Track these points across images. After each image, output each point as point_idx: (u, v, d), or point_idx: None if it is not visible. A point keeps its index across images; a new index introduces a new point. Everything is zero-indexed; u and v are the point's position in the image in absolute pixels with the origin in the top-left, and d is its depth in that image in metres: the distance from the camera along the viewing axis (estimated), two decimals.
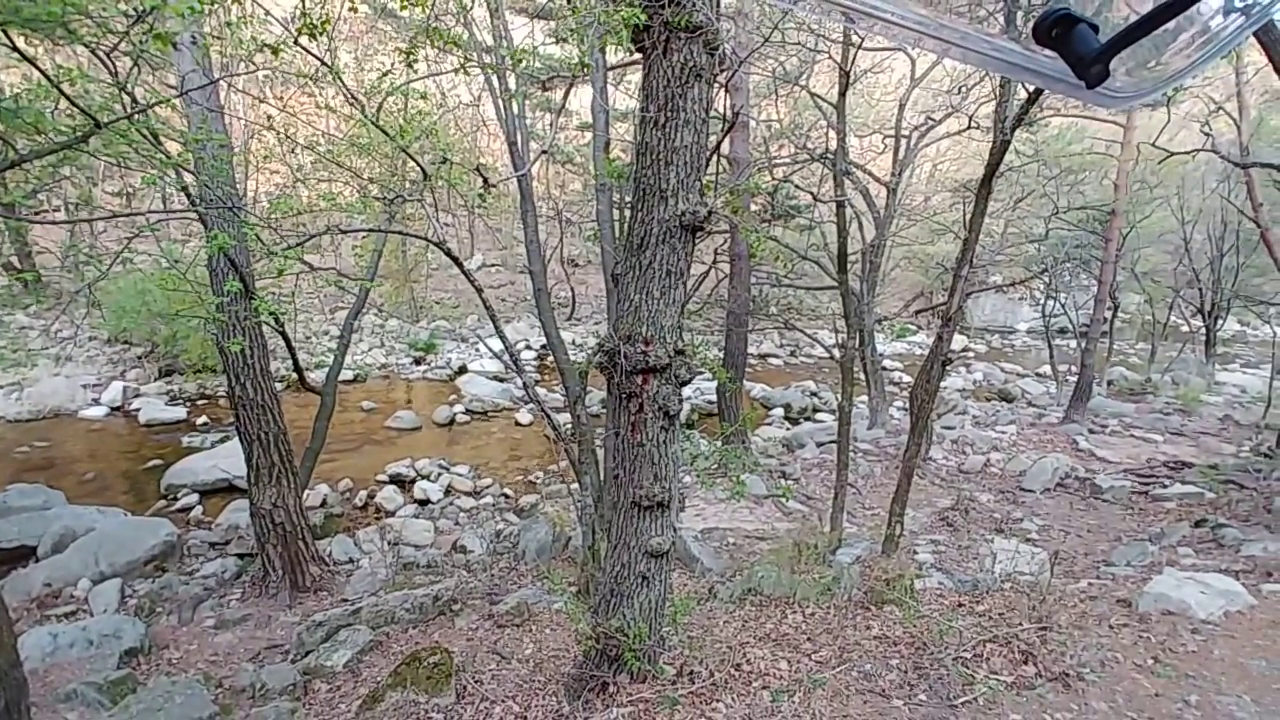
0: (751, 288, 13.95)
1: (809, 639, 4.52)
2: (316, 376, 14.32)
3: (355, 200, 5.77)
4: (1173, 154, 13.08)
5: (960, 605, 5.02)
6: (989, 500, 10.08)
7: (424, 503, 11.04)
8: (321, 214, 6.33)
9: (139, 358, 17.49)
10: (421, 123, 5.65)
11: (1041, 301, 22.55)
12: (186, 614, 7.02)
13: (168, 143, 5.50)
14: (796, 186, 14.30)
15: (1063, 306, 22.10)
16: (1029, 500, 10.09)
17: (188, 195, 5.27)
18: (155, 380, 16.53)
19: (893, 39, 0.66)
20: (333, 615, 6.48)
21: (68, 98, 3.54)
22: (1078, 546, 7.99)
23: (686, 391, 15.18)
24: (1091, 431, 14.46)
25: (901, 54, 14.36)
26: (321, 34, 3.26)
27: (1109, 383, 20.03)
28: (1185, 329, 24.39)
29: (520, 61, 3.79)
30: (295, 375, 8.56)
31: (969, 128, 13.74)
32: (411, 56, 3.29)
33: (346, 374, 17.52)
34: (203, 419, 14.53)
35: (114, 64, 4.25)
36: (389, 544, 9.25)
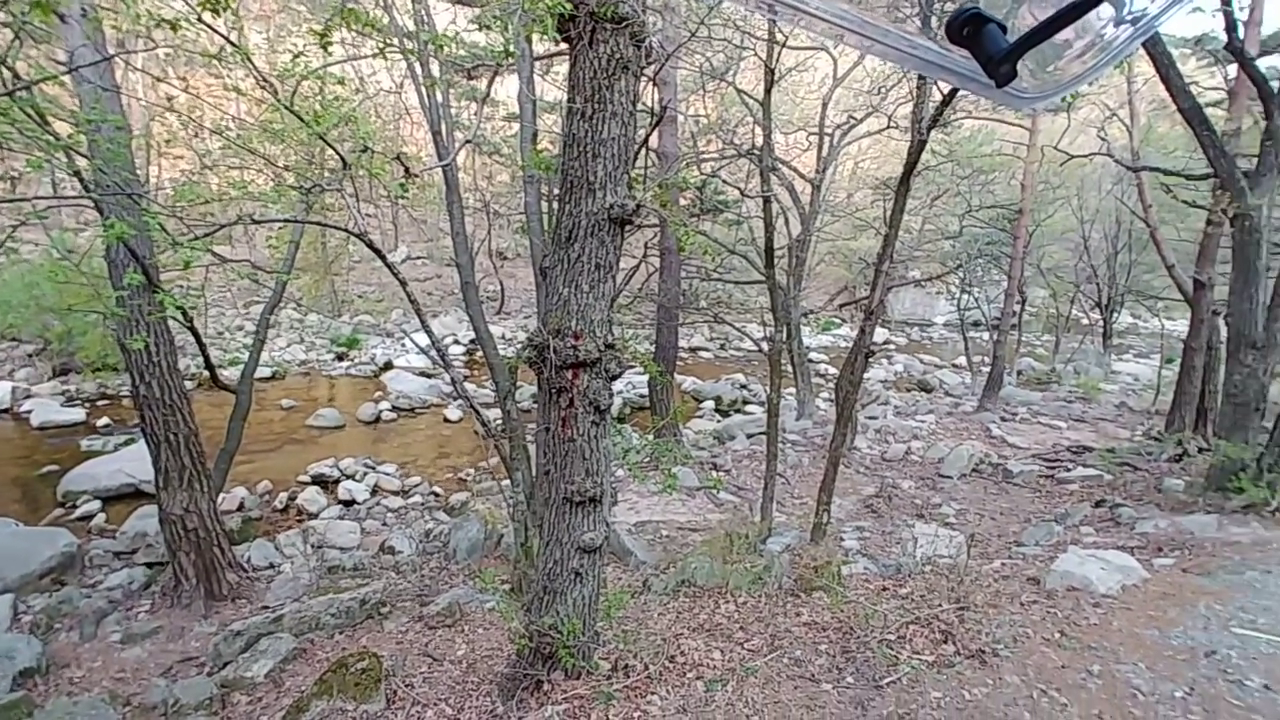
0: (681, 282, 14.07)
1: (741, 628, 4.59)
2: (231, 374, 13.64)
3: (269, 189, 5.49)
4: (1072, 157, 13.88)
5: (885, 589, 5.21)
6: (910, 487, 10.49)
7: (349, 503, 10.68)
8: (232, 203, 6.00)
9: (29, 356, 16.23)
10: (339, 109, 5.42)
11: (957, 296, 23.63)
12: (89, 629, 6.55)
13: (57, 124, 5.10)
14: (724, 182, 14.48)
15: (976, 301, 23.23)
16: (947, 486, 10.55)
17: (81, 181, 4.89)
18: (49, 380, 15.37)
19: (817, 33, 0.66)
20: (252, 624, 6.18)
21: None
22: (992, 529, 8.40)
23: (618, 385, 15.24)
24: (1003, 419, 15.25)
25: (825, 53, 14.72)
26: (225, 9, 3.07)
27: (1018, 373, 21.16)
28: (1085, 322, 26.04)
29: (442, 47, 3.67)
30: (207, 372, 8.11)
31: (888, 127, 14.21)
32: (325, 38, 3.14)
33: (264, 371, 16.73)
34: (104, 420, 13.61)
35: None
36: (312, 547, 8.90)
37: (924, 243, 24.09)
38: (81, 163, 5.24)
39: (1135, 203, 15.17)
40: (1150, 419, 14.28)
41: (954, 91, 5.99)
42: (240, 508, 10.09)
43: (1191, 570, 5.27)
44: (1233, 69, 10.64)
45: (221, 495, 9.09)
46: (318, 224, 7.14)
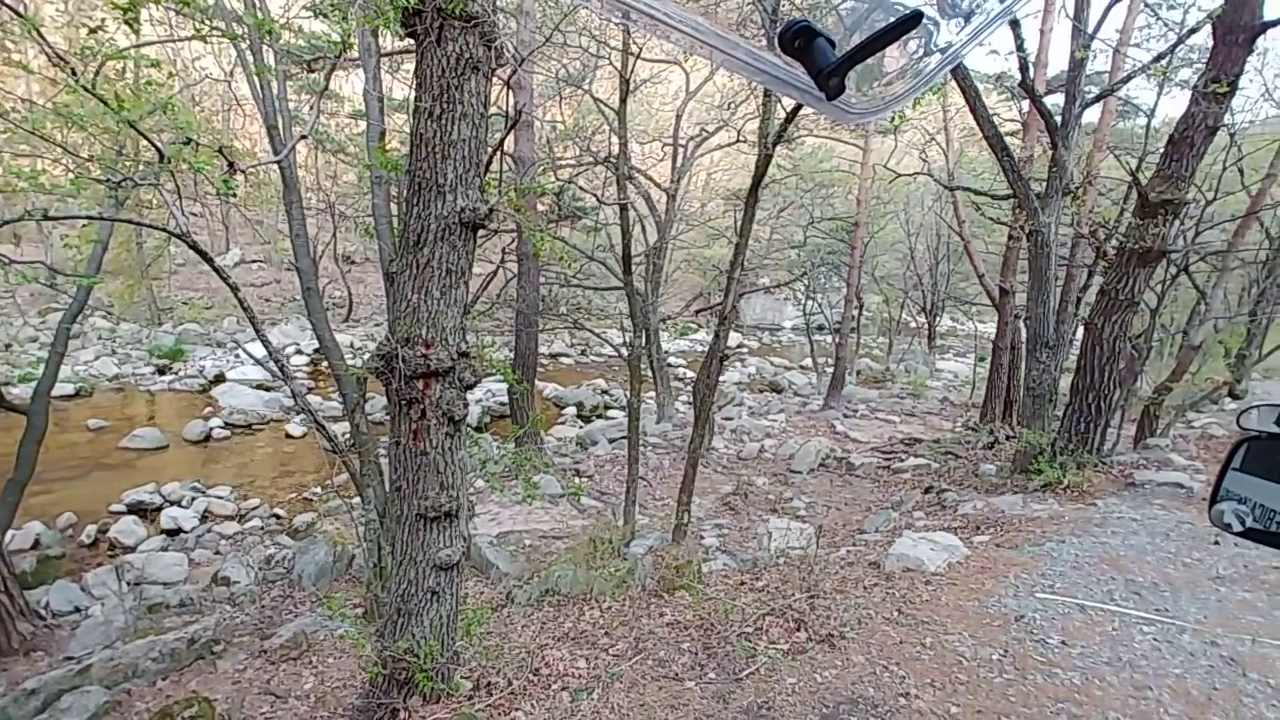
0: (541, 287, 13.94)
1: (606, 633, 4.59)
2: (21, 392, 11.85)
3: (67, 181, 4.84)
4: (899, 175, 15.21)
5: (743, 584, 5.41)
6: (764, 483, 11.01)
7: (174, 533, 9.62)
8: (18, 195, 5.25)
9: None
10: (154, 95, 4.87)
11: (803, 302, 25.20)
12: None
13: None
14: (581, 189, 14.55)
15: (819, 306, 24.90)
16: (797, 480, 11.18)
17: None
18: None
19: (671, 43, 0.66)
20: (51, 679, 5.39)
21: None
22: (838, 519, 8.99)
23: (476, 394, 14.77)
24: (846, 416, 16.41)
25: (678, 67, 15.20)
26: None
27: (858, 373, 22.87)
28: (913, 325, 28.67)
29: (270, 33, 3.39)
30: None
31: (738, 140, 14.93)
32: (131, 14, 2.80)
33: (65, 388, 14.72)
34: None
35: None
36: (128, 585, 7.91)
37: (772, 251, 25.56)
38: None
39: (952, 218, 16.90)
40: (968, 411, 15.93)
41: (797, 109, 6.36)
42: (35, 546, 8.81)
43: (1003, 545, 5.90)
44: (1026, 104, 12.12)
45: (10, 533, 7.88)
46: (129, 222, 6.38)
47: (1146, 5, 11.22)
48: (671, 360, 22.63)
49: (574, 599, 5.30)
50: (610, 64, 10.12)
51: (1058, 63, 13.05)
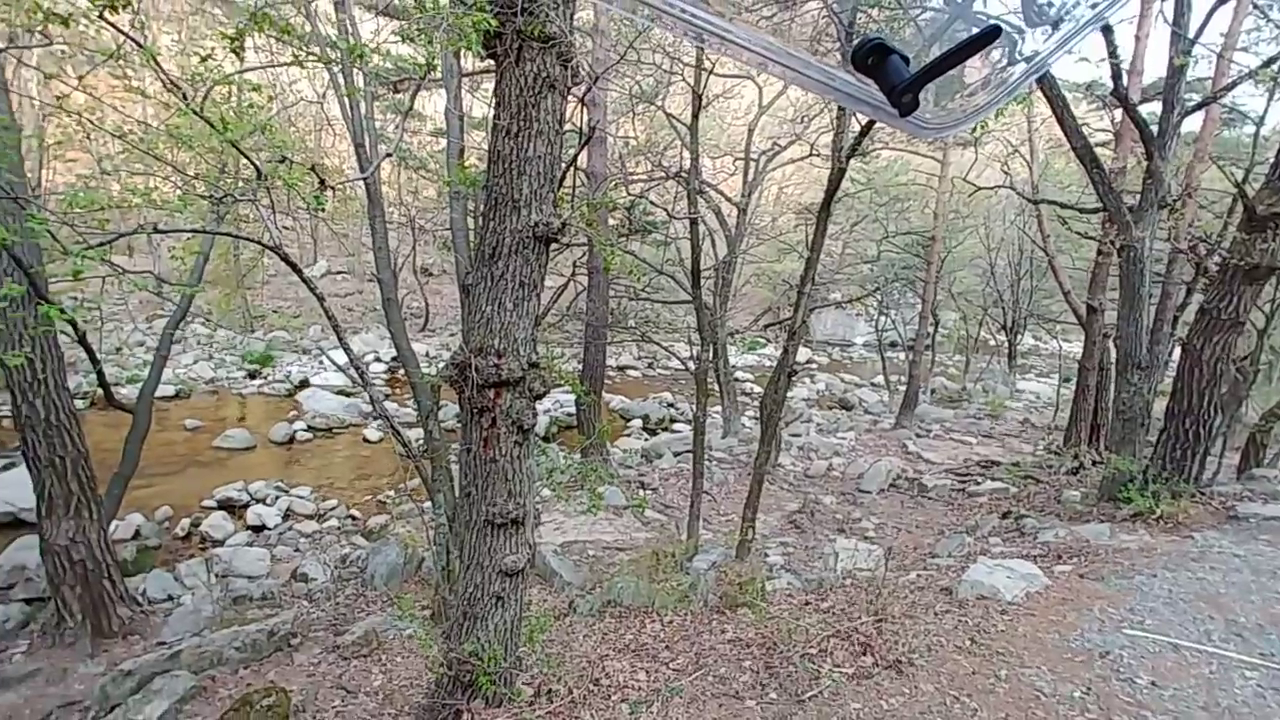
0: (610, 301, 14.11)
1: (667, 647, 4.58)
2: (129, 392, 12.75)
3: (175, 198, 5.21)
4: (979, 189, 14.72)
5: (807, 603, 5.30)
6: (832, 502, 10.77)
7: (259, 529, 10.12)
8: (132, 211, 5.67)
9: None
10: (254, 117, 5.21)
11: (875, 318, 24.60)
12: None
13: None
14: (652, 203, 14.67)
15: (893, 322, 24.24)
16: (866, 500, 10.88)
17: None
18: None
19: (743, 62, 0.68)
20: (145, 662, 5.74)
21: None
22: (908, 541, 8.70)
23: (545, 404, 15.00)
24: (918, 436, 15.89)
25: (750, 81, 15.19)
26: (126, 7, 2.91)
27: (932, 391, 22.13)
28: (992, 343, 27.56)
29: (360, 56, 3.58)
30: (101, 390, 7.57)
31: (810, 155, 14.76)
32: (237, 43, 3.01)
33: (167, 389, 15.77)
34: None
35: None
36: (216, 576, 8.37)
37: (844, 266, 25.08)
38: None
39: (1035, 233, 16.22)
40: (1051, 434, 15.17)
41: (871, 123, 6.26)
42: (136, 536, 9.41)
43: (1087, 576, 5.59)
44: (1118, 113, 11.56)
45: (114, 523, 8.47)
46: (229, 235, 6.81)
47: (1255, 6, 10.55)
48: (739, 375, 22.45)
49: (635, 611, 5.30)
50: (683, 80, 10.21)
51: (1154, 69, 12.41)
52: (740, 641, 4.56)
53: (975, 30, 0.59)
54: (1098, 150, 8.93)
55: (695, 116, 7.91)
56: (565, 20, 2.58)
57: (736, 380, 19.17)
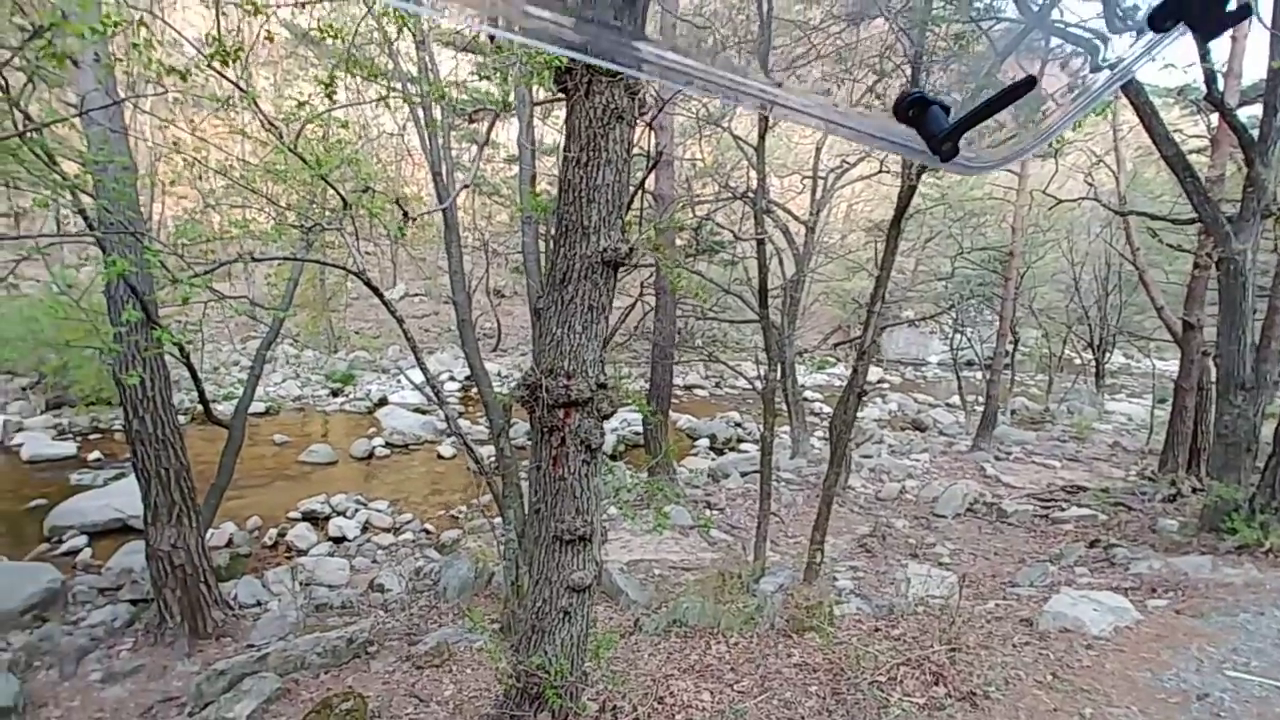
0: (677, 320, 14.19)
1: (732, 669, 4.55)
2: (224, 409, 13.60)
3: (270, 228, 5.59)
4: (1061, 201, 14.15)
5: (876, 630, 5.17)
6: (904, 526, 10.45)
7: (339, 540, 10.58)
8: (233, 240, 6.10)
9: (24, 389, 16.20)
10: (341, 151, 5.56)
11: (950, 336, 23.80)
12: (70, 667, 6.44)
13: (65, 163, 5.20)
14: (718, 225, 14.72)
15: (969, 341, 23.39)
16: (941, 525, 10.51)
17: (84, 218, 4.98)
18: (42, 413, 15.32)
19: (799, 122, 0.75)
20: (236, 663, 6.09)
21: None
22: (985, 569, 8.36)
23: (613, 423, 15.12)
24: (997, 458, 15.25)
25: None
26: (235, 60, 3.19)
27: (1012, 412, 21.20)
28: (1078, 362, 26.22)
29: (442, 96, 3.80)
30: (201, 407, 8.12)
31: (880, 171, 14.55)
32: (330, 88, 3.25)
33: (258, 406, 16.70)
34: (95, 455, 13.54)
35: (5, 79, 4.02)
36: (300, 585, 8.79)
37: (917, 283, 24.43)
38: (86, 201, 5.34)
39: (1124, 246, 15.44)
40: (1144, 459, 14.30)
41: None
42: (229, 544, 9.99)
43: (1185, 612, 5.25)
44: (1214, 118, 10.95)
45: (210, 531, 9.00)
46: (317, 262, 7.23)
47: None
48: (808, 394, 22.09)
49: (701, 632, 5.29)
50: (755, 97, 10.26)
51: (1253, 72, 11.71)
52: (807, 666, 4.49)
53: (1010, 84, 0.63)
54: (1192, 158, 8.48)
55: (761, 137, 7.94)
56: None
57: (805, 400, 18.87)
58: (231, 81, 4.37)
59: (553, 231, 3.02)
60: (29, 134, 4.04)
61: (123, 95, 5.89)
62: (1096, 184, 14.21)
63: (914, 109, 0.68)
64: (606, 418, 3.02)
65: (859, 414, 14.11)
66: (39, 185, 4.36)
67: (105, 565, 9.00)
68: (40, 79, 4.72)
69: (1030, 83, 0.63)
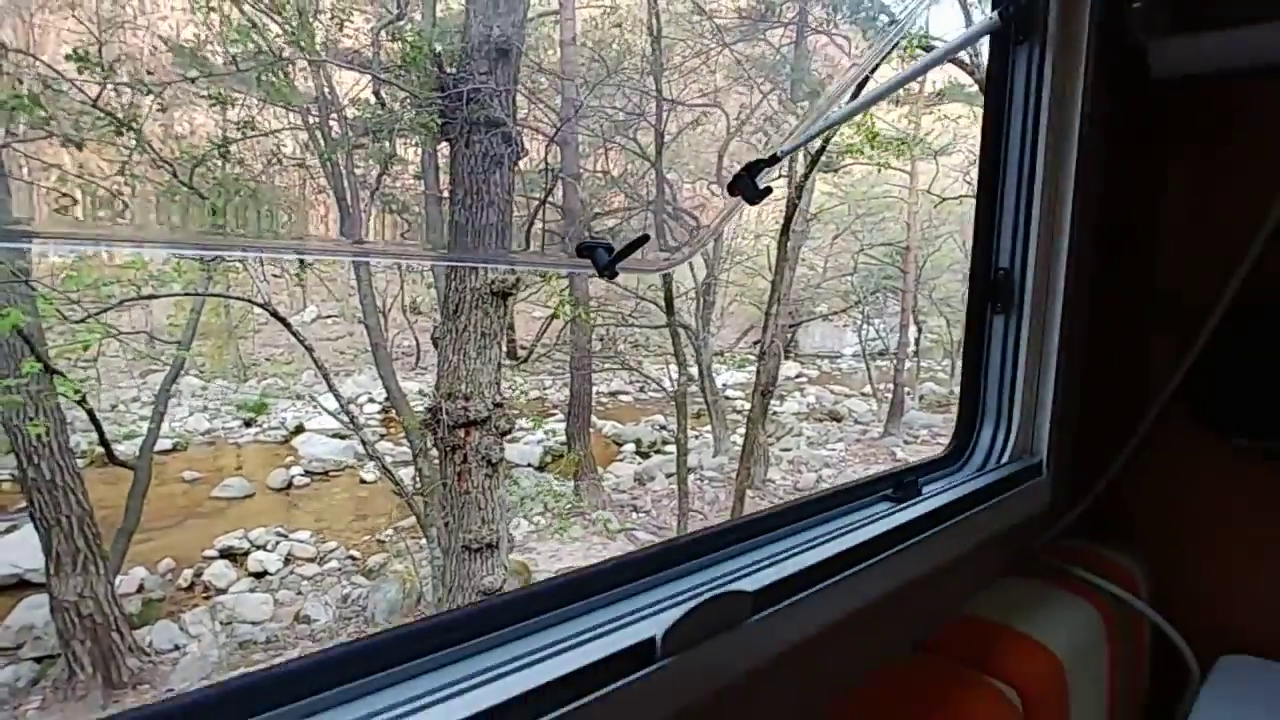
0: (598, 328, 14.46)
1: None
2: (126, 448, 12.98)
3: (169, 266, 5.56)
4: (944, 199, 15.20)
5: None
6: None
7: (260, 575, 10.33)
8: (127, 275, 6.02)
9: None
10: (237, 183, 5.58)
11: (859, 327, 25.00)
12: None
13: None
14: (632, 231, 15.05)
15: (878, 332, 24.63)
16: None
17: None
18: None
19: None
20: None
21: None
22: None
23: (538, 434, 15.19)
24: (906, 442, 16.22)
25: (719, 110, 15.70)
26: (107, 77, 3.26)
27: (920, 398, 22.47)
28: None
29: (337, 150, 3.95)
30: (101, 449, 7.85)
31: (780, 176, 15.23)
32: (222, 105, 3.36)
33: (164, 443, 15.95)
34: None
35: None
36: (221, 624, 8.58)
37: (827, 279, 25.52)
38: None
39: None
40: None
41: (818, 155, 6.68)
42: (140, 589, 9.61)
43: None
44: None
45: (119, 577, 8.68)
46: (220, 296, 7.15)
47: None
48: (729, 393, 22.70)
49: None
50: (645, 119, 10.67)
51: None
52: None
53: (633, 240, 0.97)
54: None
55: (659, 152, 8.34)
56: (507, 106, 2.95)
57: (727, 399, 19.45)
58: (110, 114, 4.38)
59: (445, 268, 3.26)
60: None
61: None
62: (973, 181, 15.33)
63: (584, 252, 1.00)
64: (505, 434, 3.25)
65: (779, 409, 14.72)
66: None
67: (3, 623, 8.52)
68: None
69: (644, 239, 0.96)
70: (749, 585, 0.88)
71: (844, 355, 36.82)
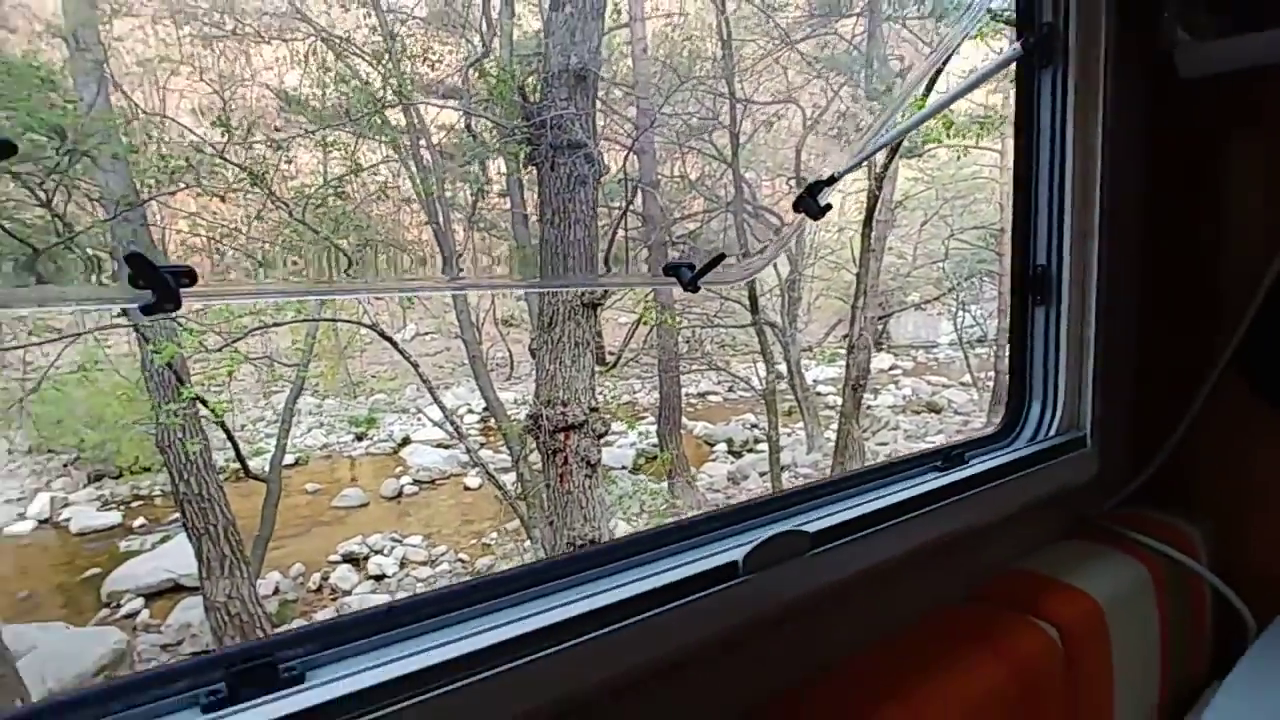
0: (685, 329, 14.61)
1: None
2: (257, 464, 14.13)
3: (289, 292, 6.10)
4: None
5: None
6: None
7: (380, 578, 11.04)
8: (256, 305, 6.64)
9: (65, 465, 16.86)
10: (346, 216, 6.08)
11: (954, 315, 23.99)
12: None
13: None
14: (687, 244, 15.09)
15: (975, 319, 23.57)
16: None
17: (124, 312, 5.52)
18: (85, 487, 15.95)
19: None
20: None
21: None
22: None
23: (631, 437, 15.44)
24: None
25: (794, 105, 15.54)
26: (231, 137, 3.68)
27: None
28: None
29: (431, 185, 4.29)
30: (237, 465, 8.64)
31: (856, 166, 14.89)
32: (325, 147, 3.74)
33: (288, 458, 17.24)
34: (140, 520, 14.11)
35: (49, 195, 4.56)
36: None
37: (918, 267, 24.65)
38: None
39: None
40: None
41: (897, 147, 6.59)
42: (275, 591, 10.48)
43: None
44: None
45: (259, 581, 9.50)
46: (331, 320, 7.75)
47: None
48: (821, 389, 22.31)
49: None
50: (719, 122, 10.75)
51: None
52: None
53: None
54: None
55: (735, 154, 8.41)
56: (588, 128, 3.15)
57: (818, 394, 19.16)
58: (240, 165, 4.88)
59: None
60: (68, 241, 4.56)
61: (145, 196, 6.45)
62: None
63: (671, 271, 1.15)
64: (601, 436, 3.44)
65: (873, 402, 14.42)
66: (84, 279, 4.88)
67: (164, 623, 9.51)
68: (67, 186, 5.27)
69: (721, 257, 1.11)
70: (809, 528, 1.14)
71: (940, 344, 35.37)
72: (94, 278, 4.84)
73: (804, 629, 1.21)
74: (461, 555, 11.76)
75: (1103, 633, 1.45)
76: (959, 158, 21.83)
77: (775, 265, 15.57)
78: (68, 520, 14.04)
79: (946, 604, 1.46)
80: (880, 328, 23.22)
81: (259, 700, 0.70)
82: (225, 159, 4.85)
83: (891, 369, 28.52)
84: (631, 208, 9.87)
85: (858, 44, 10.69)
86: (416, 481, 15.94)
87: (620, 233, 7.87)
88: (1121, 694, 1.49)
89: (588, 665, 0.88)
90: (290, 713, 0.69)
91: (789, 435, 15.52)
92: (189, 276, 0.73)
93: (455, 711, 0.78)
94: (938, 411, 20.53)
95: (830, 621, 1.24)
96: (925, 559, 1.35)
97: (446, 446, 18.26)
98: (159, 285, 0.71)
